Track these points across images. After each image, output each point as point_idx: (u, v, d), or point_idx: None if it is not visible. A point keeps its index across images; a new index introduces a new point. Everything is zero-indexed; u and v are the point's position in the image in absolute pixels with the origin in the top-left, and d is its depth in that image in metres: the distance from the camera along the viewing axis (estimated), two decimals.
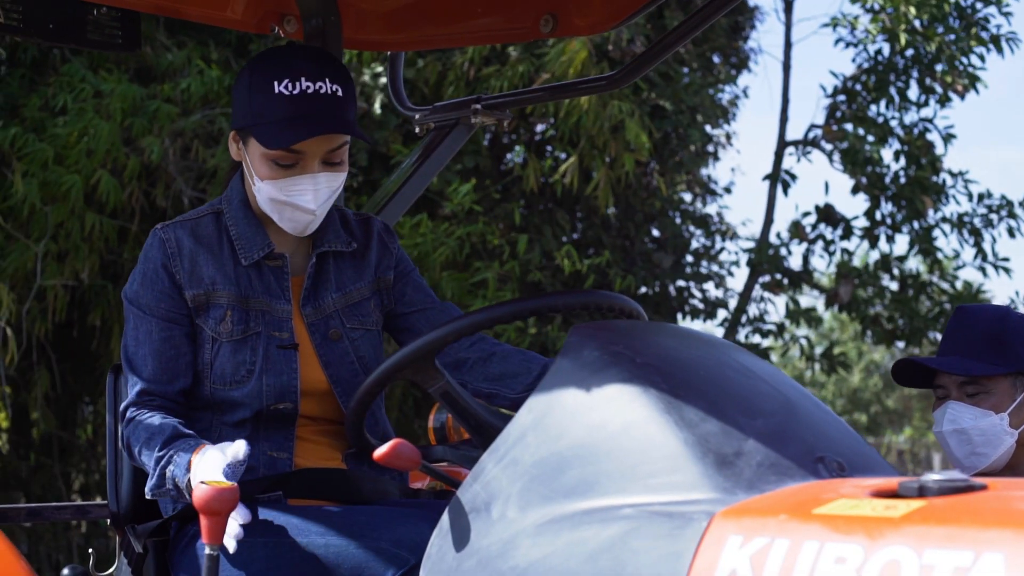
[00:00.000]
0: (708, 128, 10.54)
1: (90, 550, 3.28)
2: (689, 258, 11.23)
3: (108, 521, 3.45)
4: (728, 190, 11.84)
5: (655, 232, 10.73)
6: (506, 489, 2.17)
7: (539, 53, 8.59)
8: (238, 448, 2.52)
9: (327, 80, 2.82)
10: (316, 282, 2.98)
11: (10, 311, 7.29)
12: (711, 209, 11.72)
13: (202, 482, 2.27)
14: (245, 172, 2.92)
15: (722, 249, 11.42)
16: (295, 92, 2.79)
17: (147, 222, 8.42)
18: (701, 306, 11.17)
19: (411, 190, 3.82)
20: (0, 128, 7.45)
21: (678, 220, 11.00)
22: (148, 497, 2.76)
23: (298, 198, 2.83)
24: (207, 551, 2.26)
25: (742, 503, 1.94)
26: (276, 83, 2.80)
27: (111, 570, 3.25)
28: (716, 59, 10.88)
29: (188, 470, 2.60)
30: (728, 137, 11.39)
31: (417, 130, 3.93)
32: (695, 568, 1.87)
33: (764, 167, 11.05)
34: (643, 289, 10.31)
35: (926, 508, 1.76)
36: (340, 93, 2.83)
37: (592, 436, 2.13)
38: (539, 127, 9.69)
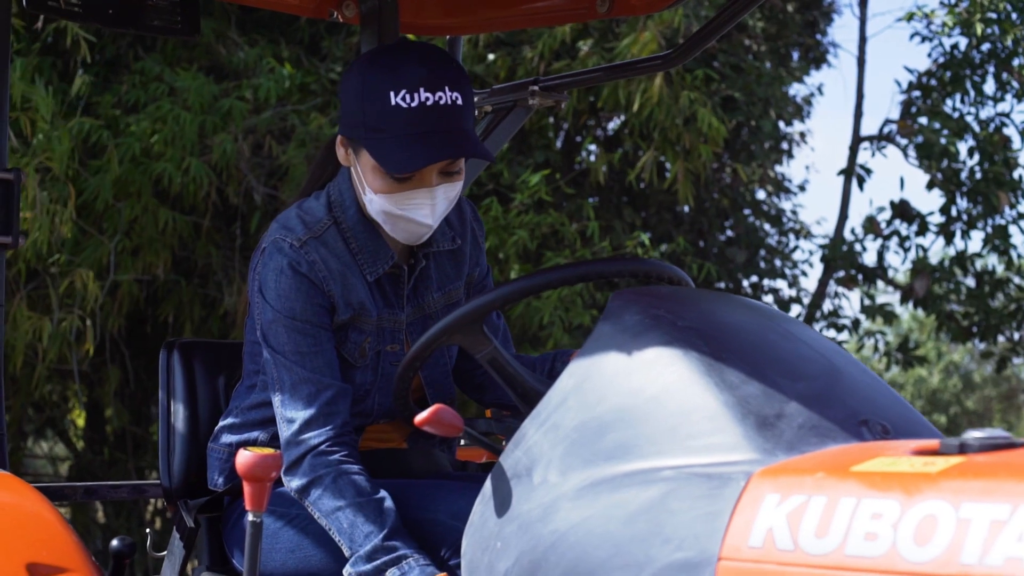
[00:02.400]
0: (782, 125, 10.46)
1: (147, 530, 3.30)
2: (762, 253, 11.15)
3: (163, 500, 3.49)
4: (803, 188, 11.74)
5: (728, 228, 10.66)
6: (547, 454, 2.16)
7: (609, 47, 8.57)
8: None
9: (446, 88, 2.62)
10: (417, 282, 2.88)
11: (95, 297, 7.37)
12: (785, 206, 11.63)
13: (244, 449, 2.27)
14: (355, 179, 2.77)
15: (795, 248, 11.33)
16: (413, 105, 2.61)
17: (219, 219, 8.49)
18: (774, 303, 11.10)
19: (468, 174, 3.80)
20: (76, 123, 7.52)
21: (751, 218, 10.93)
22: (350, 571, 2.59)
23: (414, 212, 2.69)
24: (250, 518, 2.27)
25: (781, 463, 1.93)
26: (392, 94, 2.62)
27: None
28: (794, 55, 10.80)
29: None
30: (802, 135, 11.30)
31: (475, 113, 3.92)
32: (732, 527, 1.85)
33: (838, 163, 11.00)
34: (719, 284, 10.24)
35: (965, 464, 1.73)
36: (460, 101, 2.64)
37: (633, 399, 2.12)
38: (611, 124, 9.66)
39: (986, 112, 10.44)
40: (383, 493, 2.61)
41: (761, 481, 1.88)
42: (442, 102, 2.62)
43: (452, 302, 2.93)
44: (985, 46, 10.05)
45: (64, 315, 7.44)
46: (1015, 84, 10.21)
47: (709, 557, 1.85)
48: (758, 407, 2.04)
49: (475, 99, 2.79)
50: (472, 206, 3.00)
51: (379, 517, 2.57)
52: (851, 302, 13.15)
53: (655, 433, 2.06)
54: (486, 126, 3.86)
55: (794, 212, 11.39)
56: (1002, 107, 10.50)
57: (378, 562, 2.53)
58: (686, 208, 10.05)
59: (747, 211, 10.86)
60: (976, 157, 10.33)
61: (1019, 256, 10.44)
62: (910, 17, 10.11)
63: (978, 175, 10.34)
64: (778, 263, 11.21)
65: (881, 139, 10.65)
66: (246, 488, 2.28)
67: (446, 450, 3.01)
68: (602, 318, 2.23)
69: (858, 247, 10.74)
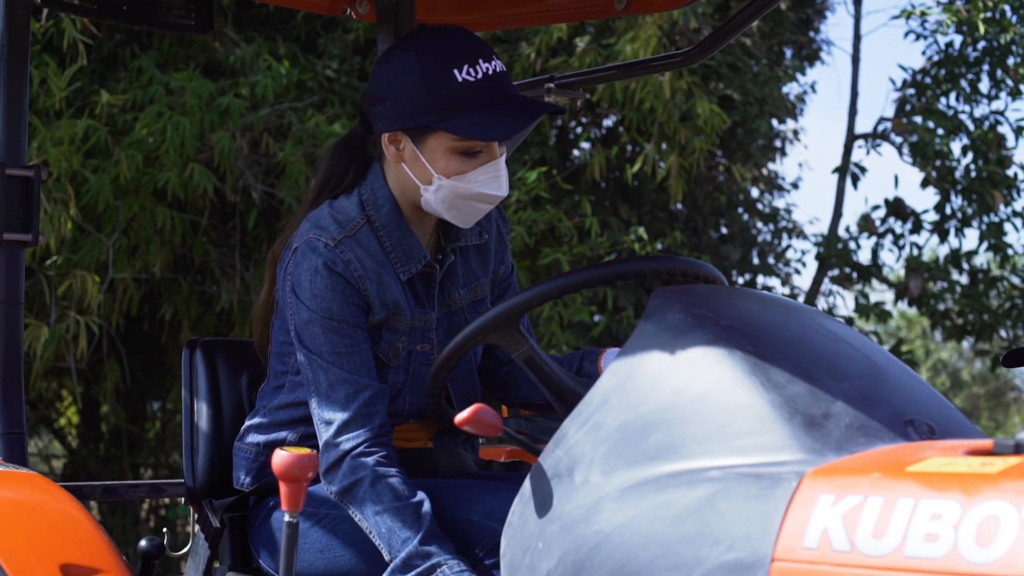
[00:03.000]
0: (775, 123, 10.46)
1: (164, 529, 3.28)
2: (755, 251, 11.15)
3: (182, 500, 3.47)
4: (795, 185, 11.75)
5: (723, 226, 10.66)
6: (589, 454, 2.15)
7: (607, 43, 8.56)
8: None
9: (493, 57, 2.71)
10: (444, 279, 2.87)
11: (94, 299, 7.34)
12: (779, 204, 11.64)
13: (281, 449, 2.26)
14: (403, 172, 2.75)
15: (788, 247, 11.34)
16: (479, 77, 2.66)
17: (216, 216, 8.46)
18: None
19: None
20: (69, 120, 7.49)
21: (745, 216, 10.93)
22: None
23: (487, 187, 2.70)
24: (286, 518, 2.25)
25: (832, 463, 1.92)
26: (456, 72, 2.66)
27: (185, 549, 3.25)
28: (787, 52, 10.80)
29: None
30: (796, 133, 11.30)
31: None
32: (785, 527, 1.84)
33: (831, 162, 10.98)
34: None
35: (1023, 464, 1.72)
36: (503, 69, 2.73)
37: (677, 399, 2.11)
38: (607, 120, 9.65)
39: (980, 110, 10.46)
40: (420, 496, 2.59)
41: (814, 481, 1.86)
42: (499, 69, 2.70)
43: (478, 298, 2.91)
44: (981, 44, 10.06)
45: (60, 314, 7.41)
46: (1010, 82, 10.23)
47: (762, 558, 1.84)
48: (805, 407, 2.03)
49: None
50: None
51: (416, 522, 2.55)
52: (845, 301, 13.20)
53: (701, 433, 2.05)
54: None
55: (787, 211, 11.39)
56: (996, 105, 10.46)
57: (415, 572, 2.51)
58: (679, 206, 10.04)
59: (740, 209, 10.87)
60: (971, 155, 10.35)
61: (1014, 253, 10.46)
62: (907, 15, 10.11)
63: (973, 173, 10.36)
64: (771, 261, 11.21)
65: (876, 137, 10.66)
66: (282, 488, 2.26)
67: (469, 449, 2.99)
68: (644, 317, 2.22)
69: (853, 245, 10.75)
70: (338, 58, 8.74)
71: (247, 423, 2.90)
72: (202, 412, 3.01)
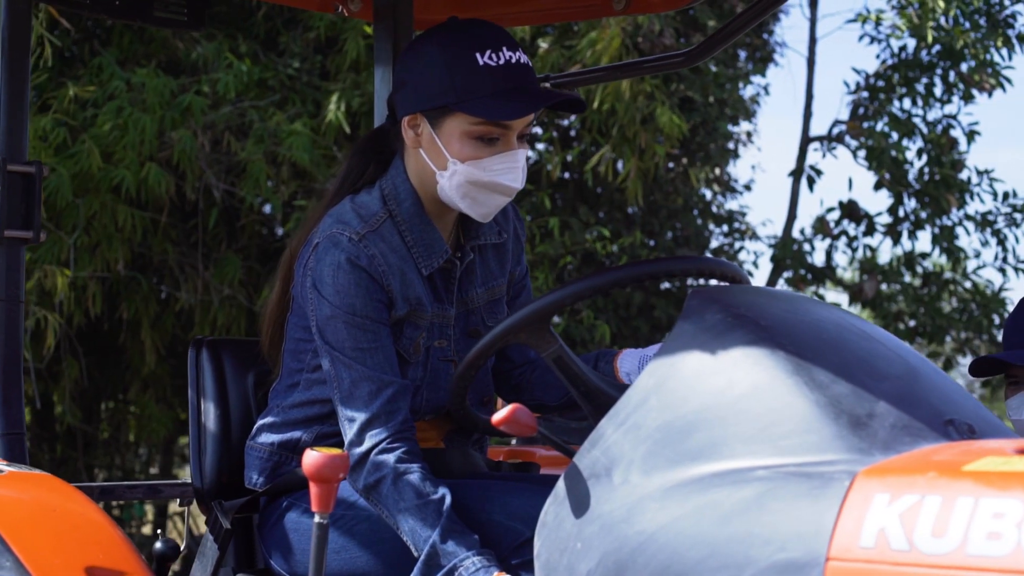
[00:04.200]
0: (730, 126, 10.51)
1: (158, 531, 3.24)
2: (710, 254, 11.20)
3: (177, 501, 3.43)
4: (748, 187, 11.81)
5: (678, 229, 10.70)
6: (628, 454, 2.14)
7: (569, 44, 8.56)
8: None
9: (517, 50, 2.72)
10: (462, 277, 2.86)
11: (62, 291, 7.26)
12: (732, 206, 11.70)
13: (312, 450, 2.23)
14: (420, 158, 2.75)
15: (741, 248, 11.40)
16: (501, 63, 2.67)
17: (176, 215, 8.39)
18: None
19: None
20: (32, 118, 7.40)
21: (700, 219, 10.97)
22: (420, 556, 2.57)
23: (503, 176, 2.69)
24: (316, 519, 2.22)
25: (884, 462, 1.92)
26: (478, 55, 2.67)
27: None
28: (741, 54, 10.85)
29: None
30: (749, 134, 11.36)
31: None
32: (840, 527, 1.84)
33: (785, 165, 11.09)
34: (665, 285, 10.27)
35: None
36: (527, 62, 2.73)
37: (719, 399, 2.11)
38: (564, 121, 9.66)
39: (933, 114, 10.57)
40: (442, 491, 2.58)
41: (867, 481, 1.86)
42: (523, 60, 2.71)
43: (495, 298, 2.91)
44: (935, 48, 10.16)
45: (26, 310, 7.32)
46: (963, 86, 10.33)
47: (816, 557, 1.84)
48: (850, 407, 2.03)
49: None
50: (513, 203, 2.97)
51: (436, 519, 2.54)
52: None
53: (745, 433, 2.05)
54: None
55: (742, 213, 11.45)
56: (949, 109, 10.57)
57: (439, 573, 2.51)
58: (634, 209, 10.07)
59: (696, 212, 10.91)
60: (924, 158, 10.45)
61: (966, 256, 10.56)
62: (864, 20, 10.19)
63: (926, 176, 10.46)
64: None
65: (831, 140, 10.74)
66: (313, 489, 2.23)
67: (479, 450, 2.98)
68: (682, 317, 2.22)
69: (807, 247, 10.82)
70: (299, 56, 8.68)
71: (259, 422, 2.87)
72: (209, 412, 2.97)
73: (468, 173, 2.70)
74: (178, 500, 3.39)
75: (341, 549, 2.70)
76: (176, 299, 8.36)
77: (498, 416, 2.21)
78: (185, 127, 7.84)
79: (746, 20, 3.31)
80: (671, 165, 10.03)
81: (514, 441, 3.78)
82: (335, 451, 2.24)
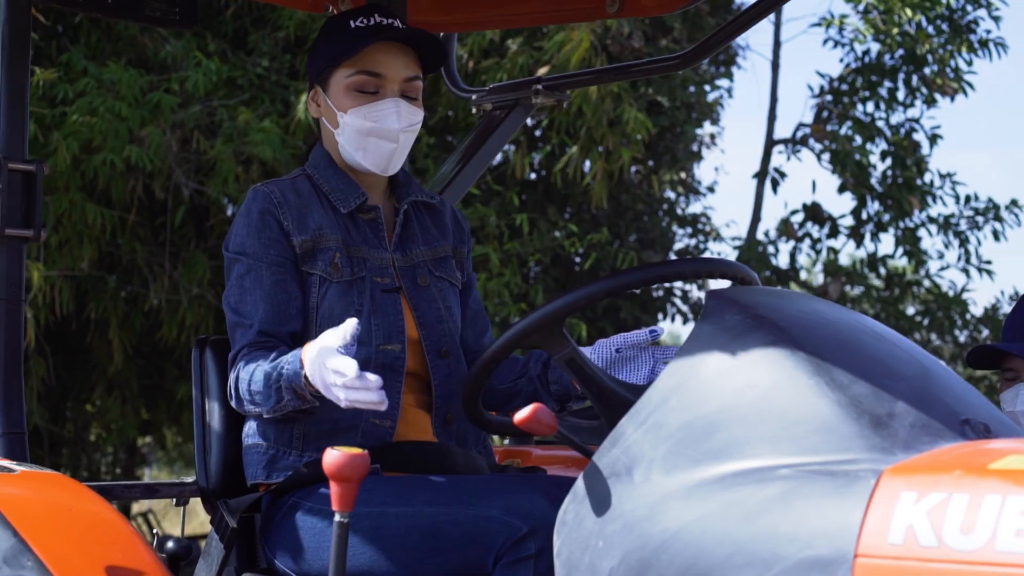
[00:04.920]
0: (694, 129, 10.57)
1: (154, 530, 3.24)
2: (673, 258, 11.25)
3: (173, 500, 3.43)
4: (712, 189, 11.88)
5: (644, 230, 10.75)
6: (649, 453, 2.16)
7: (538, 46, 8.59)
8: (347, 326, 2.53)
9: (398, 20, 2.98)
10: (404, 232, 3.04)
11: (37, 287, 7.21)
12: (695, 208, 11.76)
13: (332, 449, 2.24)
14: (325, 127, 3.02)
15: (705, 250, 11.46)
16: (370, 24, 2.94)
17: (144, 214, 8.36)
18: (685, 307, 11.18)
19: (470, 173, 3.79)
20: None
21: (665, 221, 11.02)
22: (266, 416, 2.77)
23: (383, 120, 2.92)
24: (337, 518, 2.23)
25: (908, 461, 1.95)
26: (351, 21, 2.95)
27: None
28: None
29: (301, 366, 2.62)
30: (712, 137, 11.42)
31: (474, 111, 3.91)
32: (867, 524, 1.87)
33: (748, 167, 11.14)
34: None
35: None
36: (416, 32, 2.98)
37: (740, 398, 2.13)
38: (531, 121, 9.68)
39: (897, 117, 10.67)
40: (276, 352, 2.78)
41: (893, 479, 1.90)
42: (395, 24, 2.97)
43: (439, 256, 3.06)
44: (899, 52, 10.25)
45: None
46: (925, 90, 10.43)
47: (844, 555, 1.87)
48: (870, 406, 2.06)
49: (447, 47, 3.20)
50: (458, 209, 3.27)
51: (266, 363, 2.74)
52: None
53: (767, 432, 2.08)
54: (485, 125, 3.85)
55: (706, 216, 11.51)
56: (912, 113, 10.68)
57: (272, 385, 2.70)
58: (595, 210, 10.11)
59: (661, 213, 10.96)
60: (887, 162, 10.54)
61: (929, 258, 10.67)
62: (828, 24, 10.27)
63: (889, 179, 10.56)
64: None
65: (795, 143, 10.82)
66: (333, 488, 2.24)
67: (483, 451, 2.99)
68: (701, 318, 2.24)
69: (771, 249, 10.89)
70: (268, 56, 8.67)
71: (250, 418, 2.91)
72: (214, 411, 2.97)
73: (352, 123, 2.94)
74: (174, 500, 3.39)
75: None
76: (144, 298, 8.33)
77: (520, 415, 2.23)
78: (154, 125, 7.81)
79: (742, 23, 3.34)
80: (635, 169, 10.08)
81: (507, 441, 3.79)
82: (355, 450, 2.25)
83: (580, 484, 2.25)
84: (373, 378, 2.49)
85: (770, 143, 10.96)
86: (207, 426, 2.97)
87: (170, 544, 2.67)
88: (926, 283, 10.93)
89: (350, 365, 2.48)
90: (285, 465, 2.85)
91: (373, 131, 2.94)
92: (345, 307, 2.87)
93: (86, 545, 2.28)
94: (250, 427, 2.91)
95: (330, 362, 2.52)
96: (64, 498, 2.42)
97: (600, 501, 2.19)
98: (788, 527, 1.94)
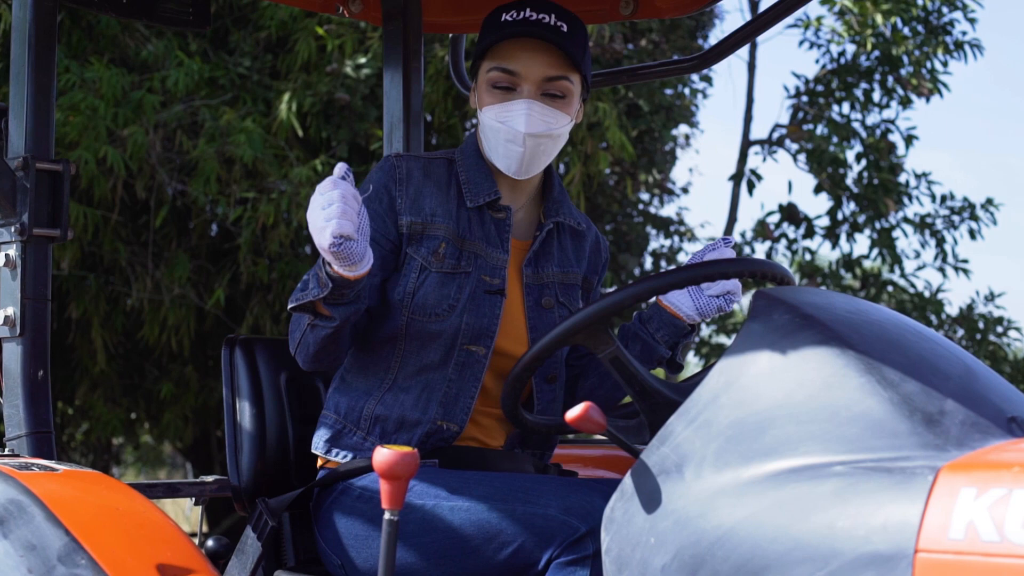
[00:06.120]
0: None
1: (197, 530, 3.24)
2: (649, 259, 11.29)
3: (192, 500, 3.43)
4: (686, 190, 11.92)
5: (621, 234, 10.78)
6: (699, 451, 2.19)
7: None
8: (338, 169, 2.49)
9: (553, 16, 2.86)
10: (541, 248, 2.98)
11: None
12: (670, 210, 11.80)
13: (382, 447, 2.25)
14: (478, 118, 2.95)
15: (680, 250, 11.50)
16: (519, 18, 2.84)
17: (127, 213, 8.33)
18: None
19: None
20: None
21: (638, 220, 11.05)
22: (289, 308, 2.72)
23: (510, 122, 2.84)
24: (387, 516, 2.25)
25: (965, 457, 1.98)
26: (504, 14, 2.88)
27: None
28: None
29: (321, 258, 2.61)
30: (687, 138, 11.47)
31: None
32: (927, 521, 1.90)
33: (723, 168, 11.21)
34: (610, 289, 10.35)
35: None
36: (565, 29, 2.85)
37: (791, 397, 2.16)
38: None
39: (872, 118, 10.74)
40: None
41: (951, 475, 1.93)
42: (545, 21, 2.85)
43: (569, 283, 3.00)
44: (875, 54, 10.33)
45: None
46: (901, 91, 10.51)
47: (904, 550, 1.90)
48: (922, 404, 2.10)
49: (587, 42, 2.95)
50: (600, 233, 3.18)
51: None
52: (741, 306, 13.39)
53: (819, 430, 2.11)
54: None
55: (680, 220, 11.54)
56: (888, 114, 10.76)
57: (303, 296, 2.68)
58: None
59: (636, 215, 10.99)
60: (863, 162, 10.61)
61: (905, 257, 10.75)
62: (805, 26, 10.33)
63: (865, 180, 10.63)
64: (664, 266, 11.36)
65: (771, 144, 10.88)
66: (383, 486, 2.26)
67: (539, 455, 3.00)
68: (750, 317, 2.28)
69: (747, 250, 10.94)
70: (250, 55, 8.65)
71: (332, 386, 2.95)
72: (245, 411, 2.98)
73: (485, 120, 2.89)
74: (192, 499, 3.39)
75: None
76: (126, 298, 8.29)
77: (572, 414, 2.25)
78: (137, 124, 7.78)
79: (762, 23, 3.37)
80: (609, 171, 10.10)
81: None
82: (405, 448, 2.27)
83: (628, 482, 2.27)
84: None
85: (746, 144, 11.02)
86: (238, 425, 2.98)
87: (210, 543, 2.68)
88: (901, 282, 11.01)
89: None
90: (348, 444, 2.86)
91: (501, 132, 2.87)
92: (440, 299, 2.84)
93: (136, 544, 2.29)
94: (329, 399, 2.94)
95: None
96: (111, 497, 2.42)
97: (650, 498, 2.22)
98: (845, 523, 1.97)
